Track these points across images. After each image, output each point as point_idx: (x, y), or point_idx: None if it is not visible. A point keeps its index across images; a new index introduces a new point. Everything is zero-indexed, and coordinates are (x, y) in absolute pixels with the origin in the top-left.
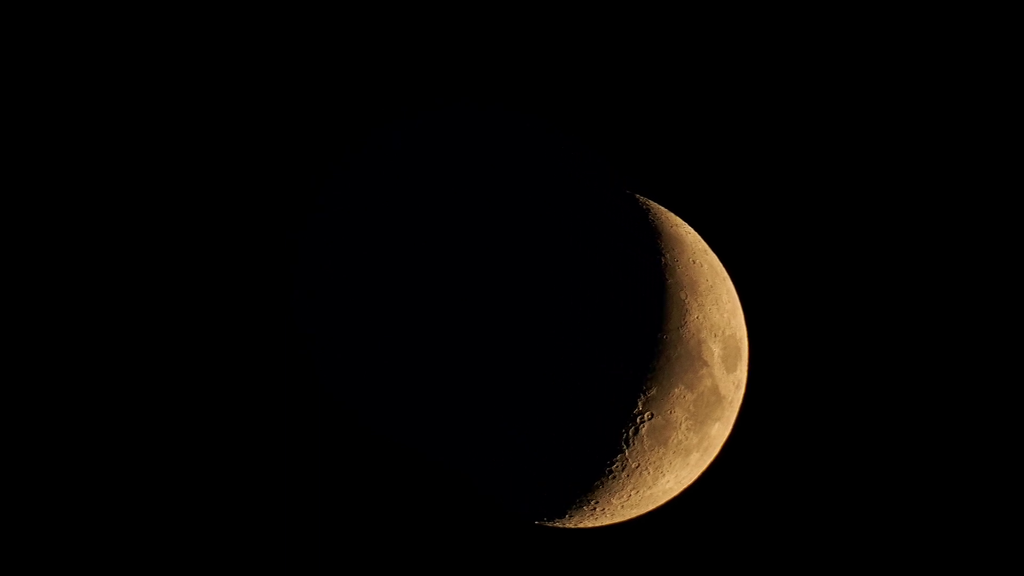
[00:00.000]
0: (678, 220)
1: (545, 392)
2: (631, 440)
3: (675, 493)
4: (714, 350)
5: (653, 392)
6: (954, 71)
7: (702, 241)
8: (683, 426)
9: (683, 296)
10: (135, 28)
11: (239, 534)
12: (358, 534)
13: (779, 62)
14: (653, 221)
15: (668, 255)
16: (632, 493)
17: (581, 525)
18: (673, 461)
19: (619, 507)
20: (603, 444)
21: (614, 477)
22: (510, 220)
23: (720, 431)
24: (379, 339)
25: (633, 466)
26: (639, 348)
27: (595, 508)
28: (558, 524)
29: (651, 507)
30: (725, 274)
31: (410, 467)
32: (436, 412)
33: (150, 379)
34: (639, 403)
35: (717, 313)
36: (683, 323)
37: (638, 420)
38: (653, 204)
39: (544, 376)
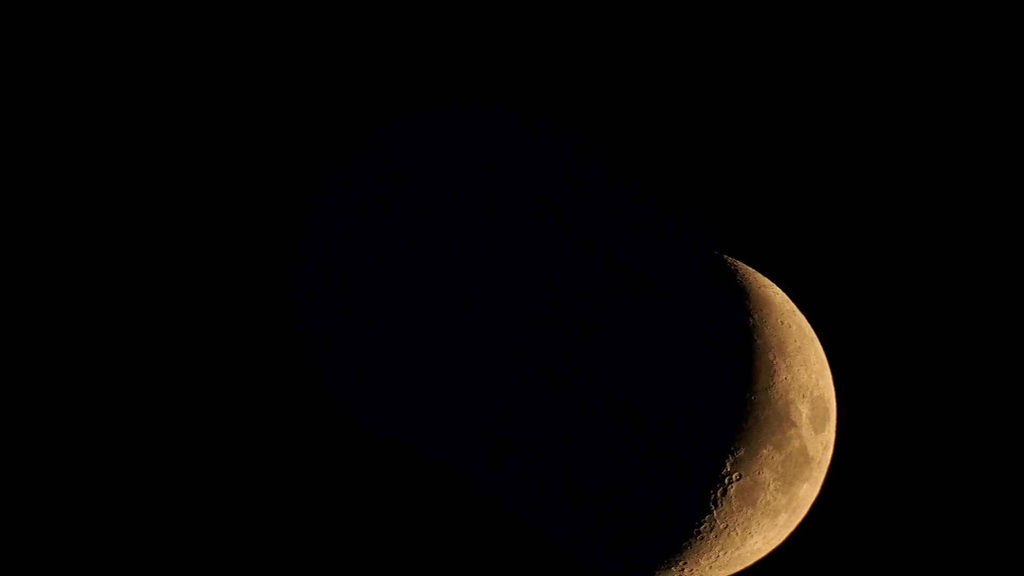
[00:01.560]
0: (766, 280)
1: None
2: (719, 501)
3: (763, 554)
4: (802, 411)
5: (741, 453)
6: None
7: (790, 302)
8: (771, 487)
9: (771, 357)
10: (135, 28)
11: (239, 534)
12: (358, 534)
13: (785, 60)
14: (740, 282)
15: (756, 316)
16: (720, 554)
17: None
18: (761, 522)
19: (707, 568)
20: (691, 505)
21: (702, 538)
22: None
23: (808, 492)
24: (379, 339)
25: (721, 527)
26: (727, 409)
27: (683, 569)
28: None
29: (739, 568)
30: (813, 335)
31: (410, 467)
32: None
33: (150, 379)
34: (727, 464)
35: (805, 374)
36: (771, 384)
37: (726, 481)
38: (741, 265)
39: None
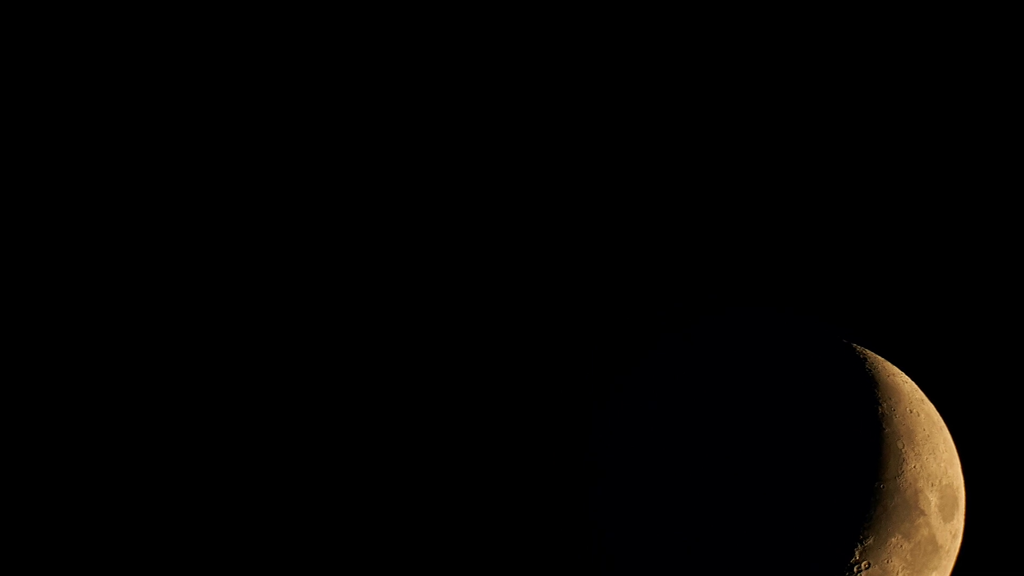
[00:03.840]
0: (895, 369)
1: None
2: None
3: None
4: (931, 499)
5: (870, 541)
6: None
7: (919, 391)
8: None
9: (900, 445)
10: (135, 28)
11: (239, 534)
12: (358, 534)
13: (792, 63)
14: (870, 370)
15: (885, 404)
16: None
17: None
18: None
19: None
20: None
21: None
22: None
23: None
24: None
25: None
26: (856, 497)
27: None
28: None
29: None
30: (942, 423)
31: (410, 467)
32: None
33: (149, 379)
34: (856, 552)
35: (934, 462)
36: (900, 472)
37: (855, 569)
38: (870, 353)
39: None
